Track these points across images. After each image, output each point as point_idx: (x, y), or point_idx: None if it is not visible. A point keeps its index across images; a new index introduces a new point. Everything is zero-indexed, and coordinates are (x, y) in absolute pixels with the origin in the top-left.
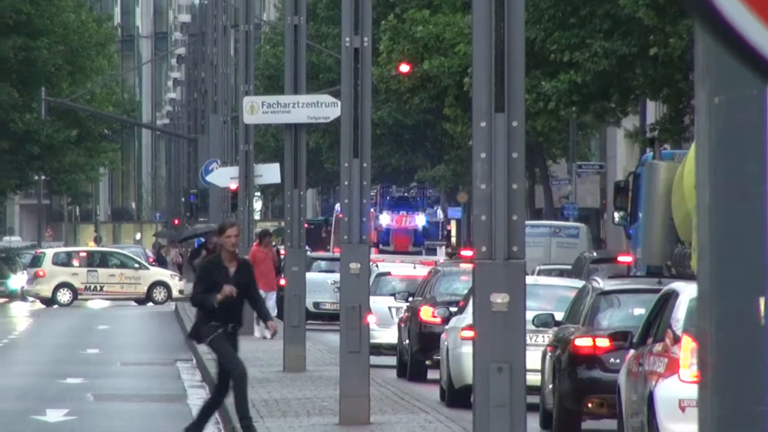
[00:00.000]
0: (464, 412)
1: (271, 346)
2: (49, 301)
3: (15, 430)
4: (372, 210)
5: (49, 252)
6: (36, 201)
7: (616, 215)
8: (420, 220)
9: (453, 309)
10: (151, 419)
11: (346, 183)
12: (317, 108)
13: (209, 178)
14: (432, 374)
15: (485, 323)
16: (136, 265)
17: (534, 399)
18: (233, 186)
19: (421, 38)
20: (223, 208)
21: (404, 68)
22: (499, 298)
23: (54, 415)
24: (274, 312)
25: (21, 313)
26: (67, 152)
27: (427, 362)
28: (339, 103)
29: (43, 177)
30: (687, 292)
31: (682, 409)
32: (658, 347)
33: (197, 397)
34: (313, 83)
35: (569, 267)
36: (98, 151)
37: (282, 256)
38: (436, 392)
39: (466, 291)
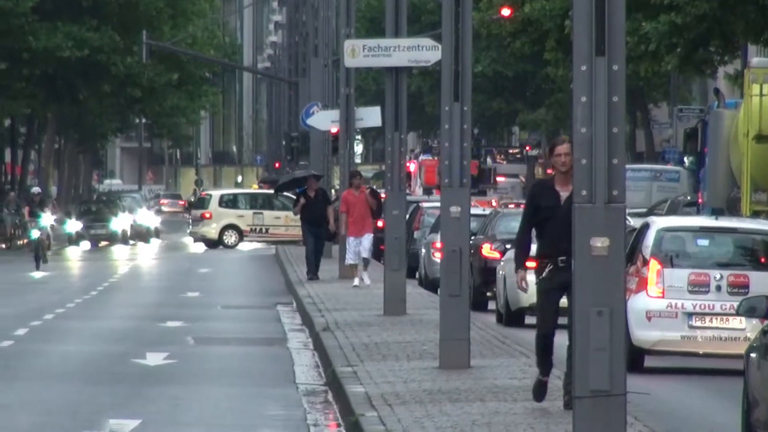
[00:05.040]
0: (516, 330)
1: (371, 289)
2: (215, 243)
3: (116, 372)
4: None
5: (215, 194)
6: (137, 144)
7: (686, 160)
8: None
9: (509, 246)
10: (251, 362)
11: (447, 126)
12: (418, 51)
13: (310, 121)
14: (492, 305)
15: (585, 267)
16: None
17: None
18: (334, 129)
19: None
20: (324, 151)
21: (505, 12)
22: (599, 242)
23: (154, 358)
24: (369, 253)
25: (122, 256)
26: (168, 95)
27: (488, 294)
28: (440, 46)
29: (144, 120)
30: (657, 224)
31: (649, 318)
32: (632, 268)
33: (297, 340)
34: (414, 26)
35: (644, 210)
36: (199, 95)
37: (380, 197)
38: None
39: None
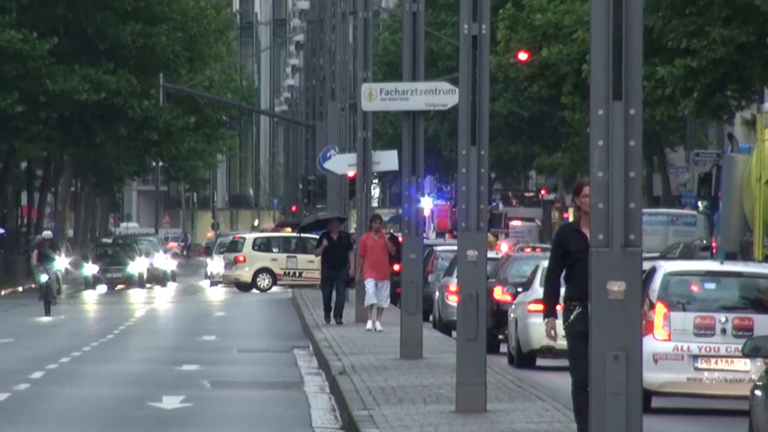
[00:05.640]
0: (530, 372)
1: (388, 333)
2: (248, 286)
3: (132, 416)
4: (448, 202)
5: (249, 237)
6: (154, 187)
7: (701, 204)
8: None
9: (519, 289)
10: (268, 406)
11: (464, 170)
12: (435, 95)
13: (327, 164)
14: (504, 348)
15: (601, 311)
16: None
17: None
18: (351, 173)
19: (539, 26)
20: (341, 194)
21: (523, 56)
22: (616, 286)
23: (170, 402)
24: (387, 302)
25: (138, 300)
26: (185, 138)
27: (500, 336)
28: (457, 90)
29: (161, 163)
30: (663, 268)
31: (656, 361)
32: None
33: (313, 384)
34: (431, 70)
35: (657, 255)
36: (216, 138)
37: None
38: (553, 381)
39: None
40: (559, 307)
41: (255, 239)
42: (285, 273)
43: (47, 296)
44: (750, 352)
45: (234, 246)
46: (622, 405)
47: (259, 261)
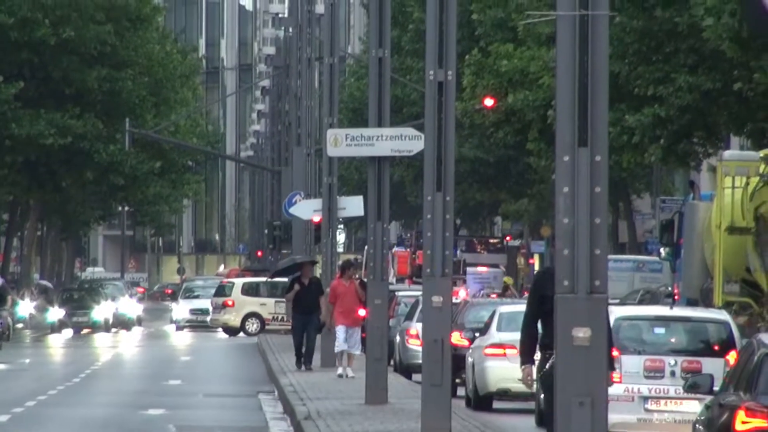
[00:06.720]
0: (487, 415)
1: (353, 378)
2: (235, 331)
3: None
4: (407, 249)
5: (238, 282)
6: (120, 232)
7: (663, 251)
8: None
9: (477, 334)
10: None
11: (429, 216)
12: (401, 141)
13: (293, 210)
14: (461, 391)
15: (567, 357)
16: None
17: None
18: (316, 218)
19: (506, 72)
20: (306, 240)
21: (489, 102)
22: (581, 332)
23: None
24: (358, 349)
25: (104, 344)
26: (151, 183)
27: (457, 380)
28: (423, 136)
29: (126, 208)
30: (615, 313)
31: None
32: None
33: (279, 429)
34: (397, 117)
35: (617, 301)
36: (182, 183)
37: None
38: (512, 423)
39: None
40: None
41: (244, 283)
42: (273, 318)
43: None
44: (689, 389)
45: (222, 290)
46: None
47: (247, 306)
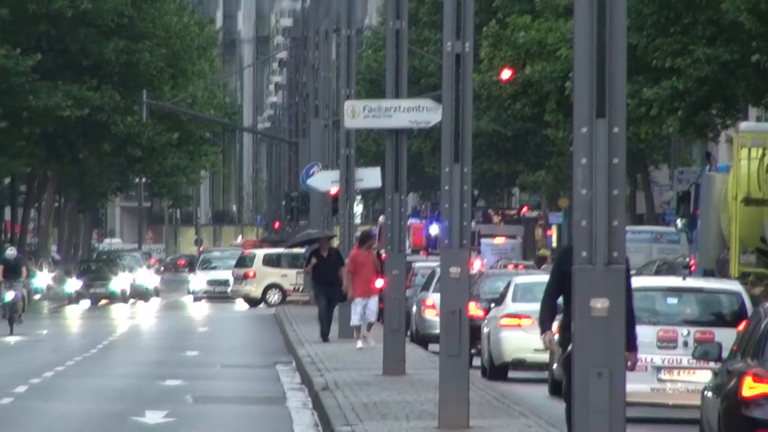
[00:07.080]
0: (502, 384)
1: (371, 349)
2: (257, 302)
3: (115, 430)
4: (422, 221)
5: (259, 253)
6: (137, 204)
7: (679, 222)
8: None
9: (492, 304)
10: (251, 421)
11: (447, 188)
12: (419, 112)
13: (310, 181)
14: (476, 361)
15: (585, 328)
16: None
17: None
18: (334, 190)
19: (523, 44)
20: (323, 211)
21: (506, 74)
22: (599, 303)
23: (153, 417)
24: (374, 318)
25: (121, 315)
26: (168, 155)
27: (473, 351)
28: (440, 107)
29: (144, 180)
30: None
31: None
32: None
33: (296, 399)
34: (414, 88)
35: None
36: (199, 154)
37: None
38: (536, 396)
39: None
40: (555, 325)
41: (265, 255)
42: (295, 289)
43: (11, 315)
44: (699, 356)
45: (243, 261)
46: (605, 422)
47: (269, 277)
